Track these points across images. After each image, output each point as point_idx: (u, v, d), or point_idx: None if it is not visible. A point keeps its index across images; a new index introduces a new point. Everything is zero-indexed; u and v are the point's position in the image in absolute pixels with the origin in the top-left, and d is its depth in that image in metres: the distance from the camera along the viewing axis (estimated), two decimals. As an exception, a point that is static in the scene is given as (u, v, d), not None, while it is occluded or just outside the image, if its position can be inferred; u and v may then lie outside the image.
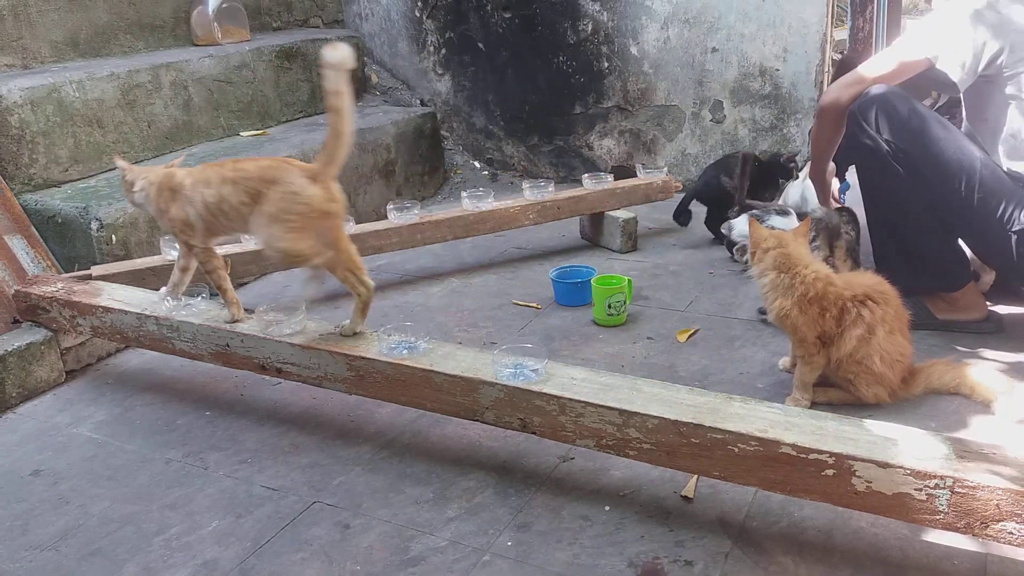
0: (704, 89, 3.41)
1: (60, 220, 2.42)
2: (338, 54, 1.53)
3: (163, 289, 1.95)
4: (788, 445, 1.30)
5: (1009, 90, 1.92)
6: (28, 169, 2.53)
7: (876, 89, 2.00)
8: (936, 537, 1.39)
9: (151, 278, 2.24)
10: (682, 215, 2.96)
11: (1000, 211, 1.91)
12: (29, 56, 2.85)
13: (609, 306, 2.26)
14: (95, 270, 2.24)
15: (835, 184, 2.40)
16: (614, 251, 2.88)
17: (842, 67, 2.72)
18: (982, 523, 1.20)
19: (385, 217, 2.70)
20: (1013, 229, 1.91)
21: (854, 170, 2.24)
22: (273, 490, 1.64)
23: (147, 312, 1.92)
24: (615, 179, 2.96)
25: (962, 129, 2.11)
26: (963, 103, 2.11)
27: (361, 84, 3.94)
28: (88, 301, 2.01)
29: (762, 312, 2.09)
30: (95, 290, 2.07)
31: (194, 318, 1.87)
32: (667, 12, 3.38)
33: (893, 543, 1.39)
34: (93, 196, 2.47)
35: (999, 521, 1.19)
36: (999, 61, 1.89)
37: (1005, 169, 1.97)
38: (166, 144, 2.97)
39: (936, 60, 1.92)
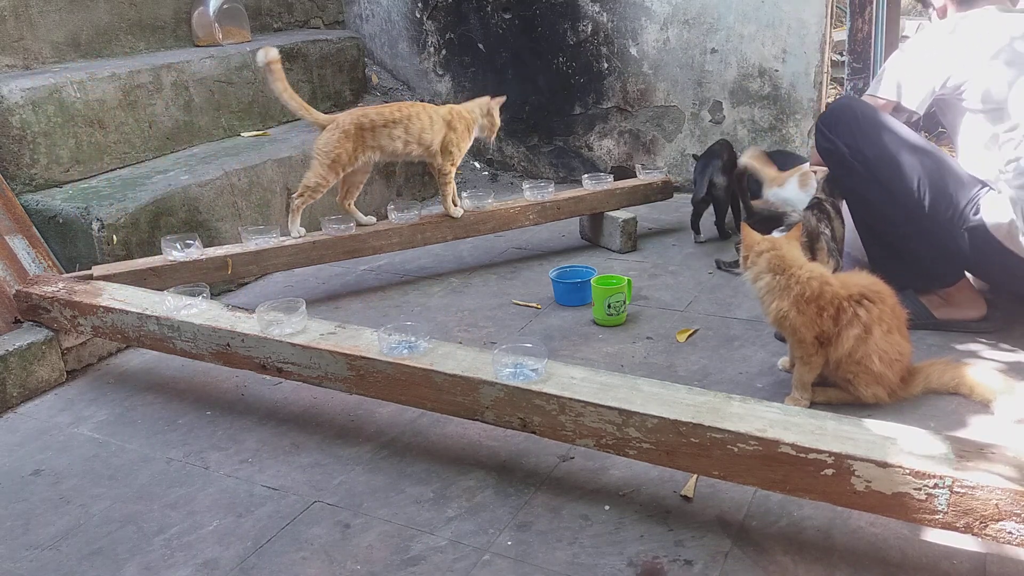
0: (703, 90, 3.42)
1: (61, 220, 2.42)
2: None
3: None
4: (787, 445, 1.30)
5: (965, 104, 2.08)
6: (29, 169, 2.53)
7: (839, 99, 2.17)
8: (935, 537, 1.39)
9: (152, 278, 2.24)
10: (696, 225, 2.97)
11: (951, 211, 2.00)
12: (30, 57, 2.86)
13: (609, 306, 2.26)
14: (96, 270, 2.24)
15: None
16: (614, 251, 2.89)
17: None
18: (981, 523, 1.21)
19: (386, 217, 2.70)
20: (965, 227, 1.99)
21: None
22: (274, 490, 1.64)
23: (148, 312, 1.93)
24: (615, 179, 2.97)
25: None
26: (923, 122, 2.29)
27: (362, 85, 3.94)
28: (89, 301, 2.01)
29: (780, 338, 2.10)
30: (96, 290, 2.07)
31: (195, 318, 1.87)
32: (666, 13, 3.39)
33: (892, 543, 1.40)
34: (94, 196, 2.47)
35: (998, 521, 1.19)
36: (949, 84, 2.06)
37: (973, 173, 2.04)
38: (167, 144, 2.97)
39: (901, 100, 2.10)
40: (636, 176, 3.07)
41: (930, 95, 2.08)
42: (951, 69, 2.04)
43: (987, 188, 2.00)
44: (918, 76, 2.08)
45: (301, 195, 2.46)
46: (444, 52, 3.95)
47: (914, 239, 2.09)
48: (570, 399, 1.46)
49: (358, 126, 2.41)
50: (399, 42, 4.07)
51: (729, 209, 2.98)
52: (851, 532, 1.43)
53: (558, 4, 3.60)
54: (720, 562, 1.37)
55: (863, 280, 1.79)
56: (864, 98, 2.19)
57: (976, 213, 1.98)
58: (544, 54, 3.70)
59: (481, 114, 2.62)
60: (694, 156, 3.05)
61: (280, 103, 2.43)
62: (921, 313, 2.11)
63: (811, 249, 2.13)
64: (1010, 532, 1.19)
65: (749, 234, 1.82)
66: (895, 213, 2.06)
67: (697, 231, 2.96)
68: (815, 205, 2.24)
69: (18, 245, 2.35)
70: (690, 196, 2.97)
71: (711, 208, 2.92)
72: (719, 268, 2.67)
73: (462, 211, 2.68)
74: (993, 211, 1.95)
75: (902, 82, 2.10)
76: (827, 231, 2.18)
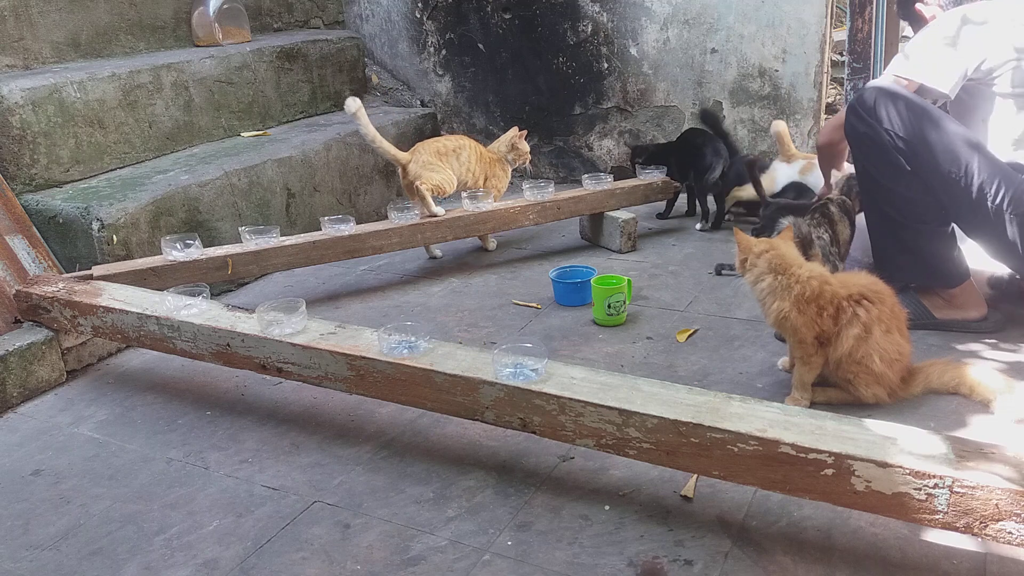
0: (703, 90, 3.42)
1: (61, 220, 2.42)
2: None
3: None
4: (787, 445, 1.30)
5: (996, 89, 2.02)
6: (29, 169, 2.53)
7: (874, 81, 2.07)
8: (935, 537, 1.39)
9: (152, 278, 2.24)
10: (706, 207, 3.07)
11: (999, 197, 1.94)
12: (30, 57, 2.86)
13: (609, 306, 2.26)
14: (96, 270, 2.24)
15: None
16: (614, 251, 2.89)
17: None
18: (981, 523, 1.21)
19: (385, 217, 2.70)
20: (1014, 212, 1.93)
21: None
22: (274, 490, 1.64)
23: (148, 312, 1.93)
24: (615, 179, 2.97)
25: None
26: (948, 107, 2.19)
27: (362, 85, 3.95)
28: (89, 301, 2.01)
29: (780, 339, 2.09)
30: (96, 290, 2.07)
31: (195, 318, 1.87)
32: (666, 13, 3.39)
33: (892, 543, 1.40)
34: (94, 196, 2.47)
35: (998, 521, 1.19)
36: (983, 67, 1.99)
37: (1007, 160, 1.99)
38: (167, 145, 2.97)
39: (925, 82, 2.03)
40: (636, 176, 3.07)
41: (962, 78, 2.00)
42: (987, 51, 1.97)
43: None
44: (950, 57, 1.99)
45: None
46: (444, 52, 3.95)
47: (935, 237, 2.06)
48: (570, 399, 1.46)
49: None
50: (399, 42, 4.07)
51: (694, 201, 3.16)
52: (851, 532, 1.43)
53: (558, 4, 3.60)
54: (720, 562, 1.37)
55: (863, 280, 1.79)
56: (886, 76, 2.11)
57: None
58: (544, 54, 3.70)
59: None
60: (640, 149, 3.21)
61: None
62: (921, 313, 2.11)
63: (804, 255, 2.12)
64: (1010, 532, 1.19)
65: (744, 238, 1.82)
66: (928, 206, 2.02)
67: (706, 217, 3.01)
68: (817, 209, 2.23)
69: (18, 245, 2.35)
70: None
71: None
72: (719, 274, 2.63)
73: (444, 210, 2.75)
74: None
75: (931, 63, 2.02)
76: (825, 235, 2.17)
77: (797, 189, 2.79)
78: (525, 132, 2.97)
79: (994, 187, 1.94)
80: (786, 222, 2.13)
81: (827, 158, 2.32)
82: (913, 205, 2.03)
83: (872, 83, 2.08)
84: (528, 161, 3.00)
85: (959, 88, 2.02)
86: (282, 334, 1.76)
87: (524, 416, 1.52)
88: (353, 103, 2.59)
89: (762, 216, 2.43)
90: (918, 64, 2.04)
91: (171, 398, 2.04)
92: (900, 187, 2.03)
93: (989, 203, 1.94)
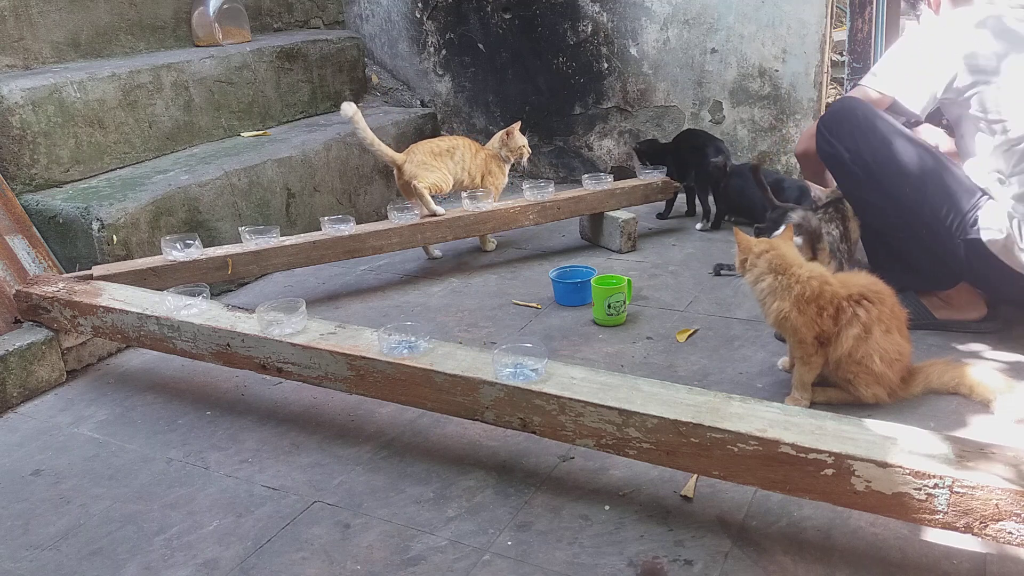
0: (703, 90, 3.42)
1: (61, 220, 2.42)
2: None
3: None
4: (787, 445, 1.30)
5: (972, 111, 1.99)
6: (29, 169, 2.53)
7: (841, 100, 2.10)
8: (935, 537, 1.39)
9: (152, 278, 2.24)
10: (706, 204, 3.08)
11: (950, 220, 1.97)
12: (30, 57, 2.86)
13: (609, 306, 2.26)
14: (96, 270, 2.24)
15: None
16: (614, 251, 2.89)
17: None
18: (981, 523, 1.21)
19: (385, 217, 2.70)
20: (962, 238, 1.96)
21: None
22: (274, 490, 1.64)
23: (148, 312, 1.93)
24: (615, 179, 2.97)
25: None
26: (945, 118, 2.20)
27: (362, 85, 3.95)
28: (89, 301, 2.01)
29: (780, 339, 2.09)
30: (96, 290, 2.07)
31: (195, 318, 1.87)
32: (666, 13, 3.39)
33: (892, 543, 1.40)
34: (94, 196, 2.47)
35: (998, 521, 1.19)
36: (955, 85, 1.97)
37: (991, 185, 1.99)
38: (167, 145, 2.97)
39: (898, 97, 2.03)
40: (636, 176, 3.07)
41: (932, 100, 1.99)
42: (956, 68, 1.95)
43: (987, 197, 1.96)
44: (920, 75, 1.99)
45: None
46: (444, 52, 3.95)
47: (913, 244, 2.08)
48: (570, 399, 1.46)
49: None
50: (399, 42, 4.07)
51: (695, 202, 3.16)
52: (851, 532, 1.43)
53: (558, 4, 3.60)
54: (720, 562, 1.37)
55: (863, 280, 1.79)
56: (859, 90, 2.11)
57: (975, 224, 1.94)
58: (544, 54, 3.70)
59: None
60: (640, 146, 3.20)
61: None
62: (921, 313, 2.11)
63: (812, 249, 2.12)
64: (1010, 532, 1.19)
65: (744, 238, 1.82)
66: (895, 218, 2.05)
67: (707, 217, 3.02)
68: (831, 203, 2.23)
69: (18, 245, 2.35)
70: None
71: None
72: (718, 274, 2.62)
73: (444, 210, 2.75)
74: (990, 225, 1.93)
75: (903, 79, 2.02)
76: (835, 231, 2.17)
77: (799, 191, 2.78)
78: (518, 124, 2.92)
79: (943, 211, 1.96)
80: (795, 217, 2.13)
81: (807, 165, 2.33)
82: (886, 215, 2.06)
83: (844, 96, 2.11)
84: (527, 156, 2.95)
85: (931, 108, 2.01)
86: (282, 334, 1.76)
87: (524, 416, 1.52)
88: (349, 108, 2.58)
89: (769, 219, 2.44)
90: (889, 78, 2.05)
91: (171, 398, 2.04)
92: (872, 198, 2.06)
93: (941, 224, 1.97)
